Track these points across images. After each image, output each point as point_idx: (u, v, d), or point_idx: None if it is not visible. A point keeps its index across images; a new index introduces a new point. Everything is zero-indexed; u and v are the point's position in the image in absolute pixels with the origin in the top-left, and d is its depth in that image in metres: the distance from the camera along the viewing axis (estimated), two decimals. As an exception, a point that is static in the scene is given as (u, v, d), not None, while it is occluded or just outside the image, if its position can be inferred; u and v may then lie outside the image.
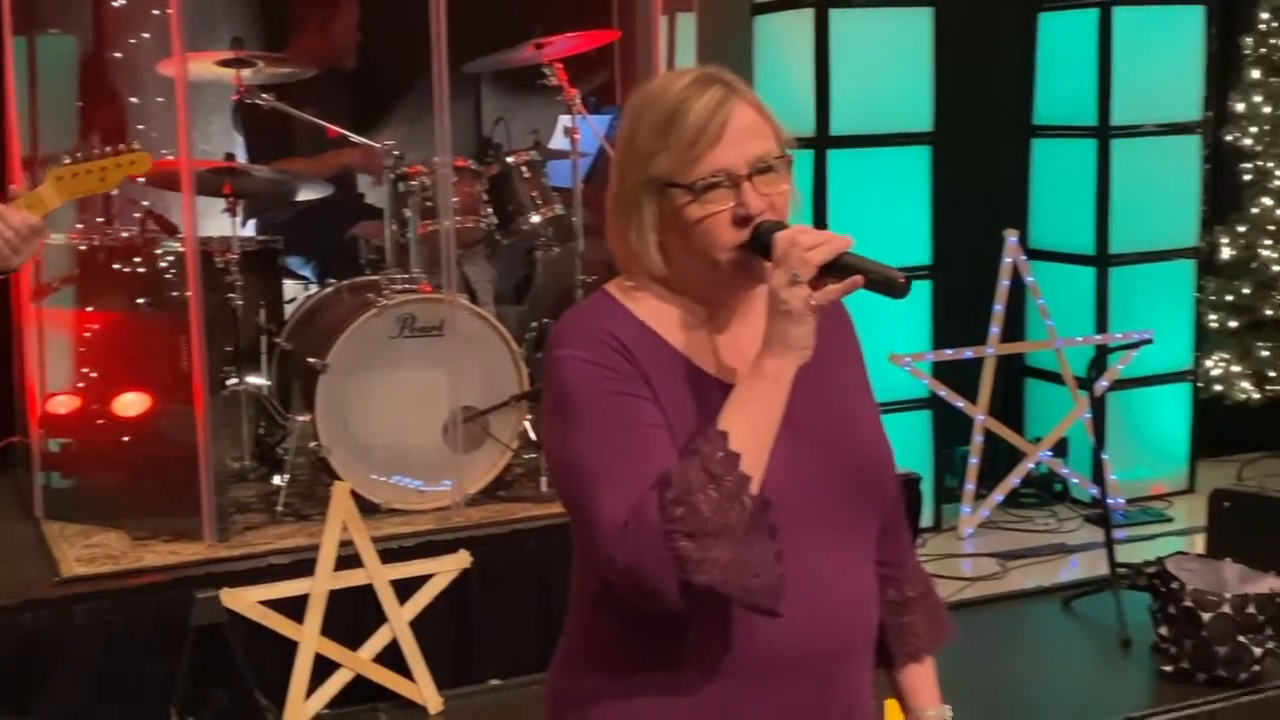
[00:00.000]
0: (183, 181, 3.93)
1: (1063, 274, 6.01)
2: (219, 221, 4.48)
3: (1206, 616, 3.48)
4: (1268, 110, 6.34)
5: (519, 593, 3.92)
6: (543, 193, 4.73)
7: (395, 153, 4.48)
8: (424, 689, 3.67)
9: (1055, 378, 5.92)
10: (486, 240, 4.75)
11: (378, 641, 3.67)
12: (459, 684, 3.79)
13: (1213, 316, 6.37)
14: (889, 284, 1.64)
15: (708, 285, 1.75)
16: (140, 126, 4.52)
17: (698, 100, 1.69)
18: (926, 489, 5.34)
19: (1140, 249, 5.98)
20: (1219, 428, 6.31)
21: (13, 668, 3.45)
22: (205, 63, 4.54)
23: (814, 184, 5.45)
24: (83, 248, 4.41)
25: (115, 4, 4.52)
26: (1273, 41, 6.35)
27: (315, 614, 3.58)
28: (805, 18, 5.50)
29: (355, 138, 4.67)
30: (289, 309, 4.78)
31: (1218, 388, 6.33)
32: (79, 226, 4.50)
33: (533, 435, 4.36)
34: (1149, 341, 5.34)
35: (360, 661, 3.65)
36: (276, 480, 4.24)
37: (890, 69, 5.59)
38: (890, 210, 5.58)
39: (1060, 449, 5.92)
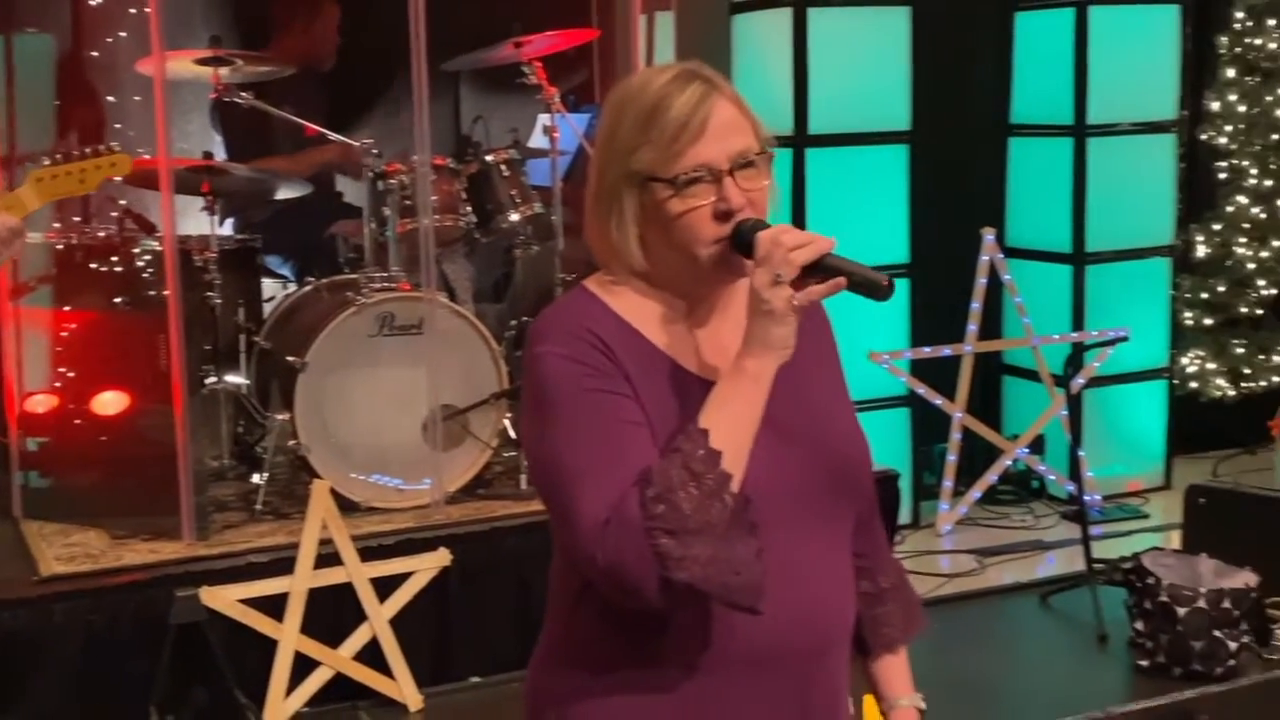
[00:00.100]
0: (161, 180, 3.92)
1: (1039, 272, 6.04)
2: (197, 220, 4.47)
3: (1182, 611, 3.50)
4: (1242, 109, 6.38)
5: (498, 590, 3.92)
6: (522, 191, 4.73)
7: (374, 151, 4.47)
8: (404, 687, 3.68)
9: (1032, 375, 5.95)
10: (465, 239, 4.75)
11: (357, 639, 3.68)
12: (439, 682, 3.79)
13: (1188, 314, 6.41)
14: (872, 286, 1.65)
15: (688, 279, 1.75)
16: (118, 125, 4.51)
17: (679, 96, 1.70)
18: (905, 486, 5.36)
19: (1116, 247, 6.01)
20: (1194, 425, 6.35)
21: (-8, 667, 3.45)
22: (184, 61, 4.52)
23: (792, 182, 5.46)
24: (60, 246, 4.39)
25: (93, 3, 4.52)
26: (1247, 40, 6.39)
27: (295, 612, 3.58)
28: (783, 17, 5.52)
29: (334, 136, 4.67)
30: (268, 308, 4.76)
31: (1193, 385, 6.37)
32: (56, 225, 4.49)
33: (512, 433, 4.36)
34: (1125, 339, 5.37)
35: (340, 659, 3.65)
36: (255, 479, 4.23)
37: (868, 68, 5.61)
38: (868, 209, 5.60)
39: (1037, 446, 5.95)
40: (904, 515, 5.57)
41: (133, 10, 4.15)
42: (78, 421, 4.18)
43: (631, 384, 1.69)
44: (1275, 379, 6.33)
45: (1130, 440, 6.12)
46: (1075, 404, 5.66)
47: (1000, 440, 5.91)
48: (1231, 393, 6.37)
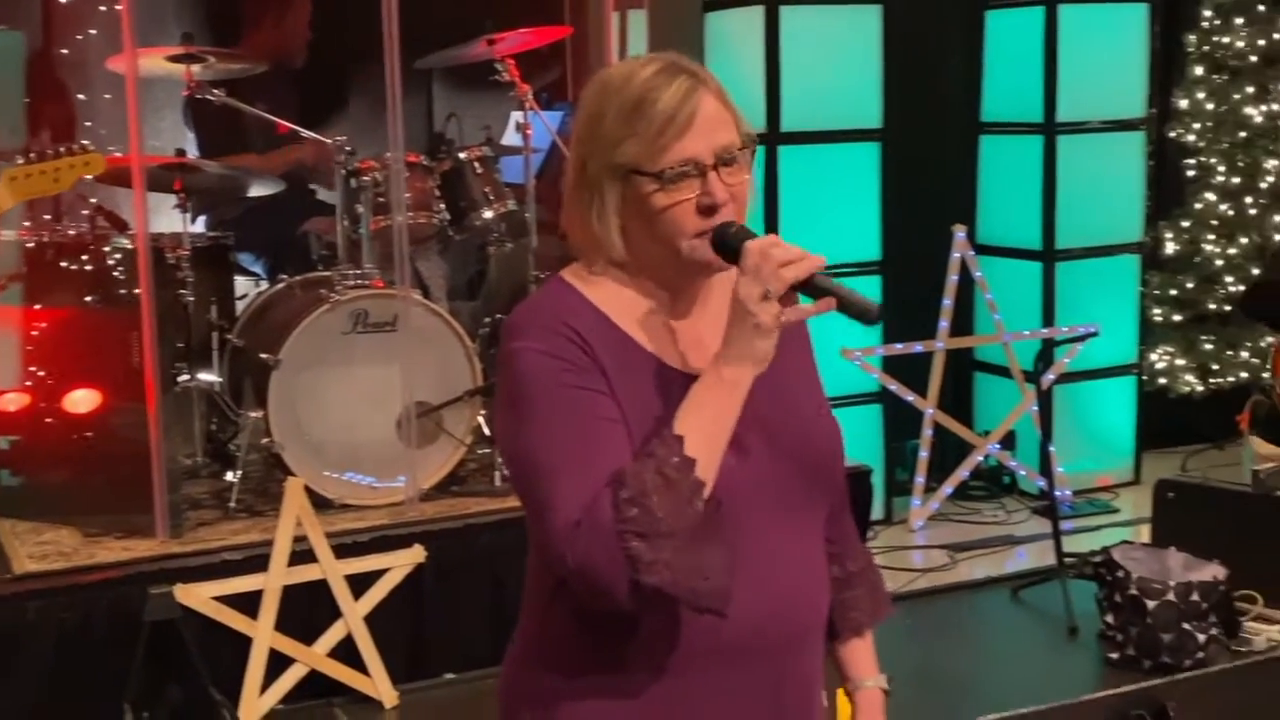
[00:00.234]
0: (134, 178, 3.91)
1: (1010, 269, 6.07)
2: (170, 218, 4.46)
3: (1151, 604, 3.53)
4: (1210, 107, 6.43)
5: (473, 587, 3.92)
6: (495, 188, 4.73)
7: (347, 148, 4.47)
8: (379, 683, 3.68)
9: (1003, 371, 5.98)
10: (439, 236, 4.75)
11: (332, 636, 3.67)
12: (414, 678, 3.79)
13: (1157, 311, 6.46)
14: (862, 311, 1.65)
15: (669, 271, 1.75)
16: (89, 123, 4.50)
17: (666, 89, 1.69)
18: (877, 482, 5.39)
19: (1086, 244, 6.05)
20: (1163, 420, 6.40)
21: (-36, 666, 3.44)
22: (155, 58, 4.50)
23: (765, 180, 5.48)
24: (31, 244, 4.38)
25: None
26: (1215, 39, 6.44)
27: (269, 609, 3.58)
28: (756, 15, 5.54)
29: (306, 133, 4.66)
30: (240, 305, 4.76)
31: (1162, 381, 6.42)
32: (27, 224, 4.47)
33: (486, 430, 4.37)
34: (1095, 335, 5.41)
35: (315, 656, 3.65)
36: (229, 476, 4.22)
37: (840, 66, 5.64)
38: (840, 206, 5.63)
39: (1008, 442, 5.98)
40: (876, 511, 5.60)
41: (103, 7, 4.14)
42: (50, 420, 4.16)
43: (608, 378, 1.69)
44: (1243, 374, 6.38)
45: (1100, 436, 6.16)
46: (1046, 400, 5.70)
47: (972, 436, 5.94)
48: (1200, 388, 6.42)
